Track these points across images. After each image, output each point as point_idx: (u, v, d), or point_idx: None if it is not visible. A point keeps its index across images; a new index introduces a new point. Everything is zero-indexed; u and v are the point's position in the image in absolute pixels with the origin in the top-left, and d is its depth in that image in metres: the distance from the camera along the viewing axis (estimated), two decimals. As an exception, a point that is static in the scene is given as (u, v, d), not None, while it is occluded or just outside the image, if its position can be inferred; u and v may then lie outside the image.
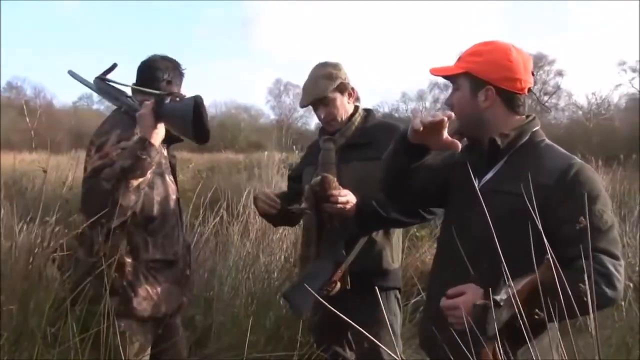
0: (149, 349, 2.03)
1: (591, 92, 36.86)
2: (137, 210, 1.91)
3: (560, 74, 36.09)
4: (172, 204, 2.09)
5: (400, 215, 2.17)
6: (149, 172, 1.83)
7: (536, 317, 1.27)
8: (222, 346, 2.49)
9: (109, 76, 2.04)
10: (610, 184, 6.45)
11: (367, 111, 2.42)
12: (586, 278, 1.22)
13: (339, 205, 2.08)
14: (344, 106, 2.32)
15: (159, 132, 1.86)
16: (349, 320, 1.22)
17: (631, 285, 3.28)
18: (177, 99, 1.90)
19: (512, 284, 1.33)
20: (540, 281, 1.33)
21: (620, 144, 15.35)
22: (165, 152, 2.10)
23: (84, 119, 33.06)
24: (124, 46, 72.04)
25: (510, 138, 1.59)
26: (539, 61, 33.45)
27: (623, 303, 3.07)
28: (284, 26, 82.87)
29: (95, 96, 45.47)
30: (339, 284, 2.14)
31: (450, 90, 1.71)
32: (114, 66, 2.06)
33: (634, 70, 33.72)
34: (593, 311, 1.21)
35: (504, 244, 1.33)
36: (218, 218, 3.50)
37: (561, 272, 1.26)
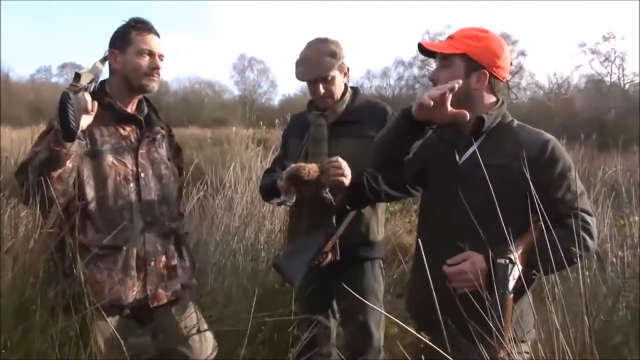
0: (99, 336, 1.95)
1: (552, 73, 37.70)
2: (74, 194, 1.90)
3: (522, 53, 36.74)
4: (118, 186, 2.00)
5: (390, 189, 2.19)
6: (68, 161, 1.81)
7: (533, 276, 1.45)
8: (214, 318, 2.54)
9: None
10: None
11: (355, 90, 2.49)
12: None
13: (339, 177, 2.09)
14: (341, 84, 2.40)
15: None
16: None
17: (594, 255, 3.49)
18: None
19: (515, 245, 1.53)
20: (536, 240, 1.51)
21: (580, 123, 15.81)
22: (124, 131, 2.05)
23: (42, 92, 32.07)
24: (82, 20, 69.72)
25: (492, 118, 1.73)
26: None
27: (588, 273, 3.25)
28: (247, 3, 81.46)
29: (54, 69, 43.80)
30: (330, 255, 2.24)
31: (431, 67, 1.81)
32: None
33: (593, 52, 34.64)
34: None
35: (494, 211, 1.49)
36: (201, 193, 3.50)
37: (554, 232, 1.49)
